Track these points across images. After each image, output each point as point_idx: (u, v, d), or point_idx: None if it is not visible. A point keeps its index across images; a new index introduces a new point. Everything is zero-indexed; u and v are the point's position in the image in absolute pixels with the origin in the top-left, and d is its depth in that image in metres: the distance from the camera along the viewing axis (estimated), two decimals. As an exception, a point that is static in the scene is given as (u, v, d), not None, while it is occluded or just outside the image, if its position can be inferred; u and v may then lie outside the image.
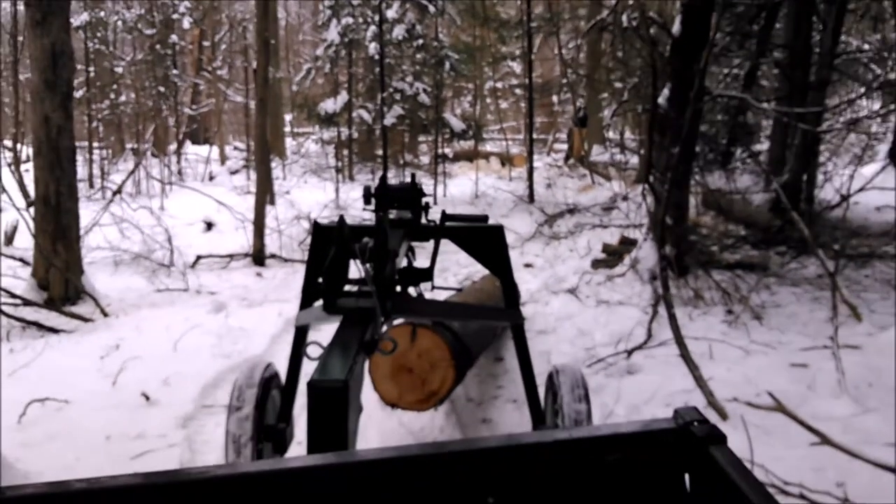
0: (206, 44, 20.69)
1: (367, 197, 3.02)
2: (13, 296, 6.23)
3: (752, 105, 7.24)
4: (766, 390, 3.56)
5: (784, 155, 9.94)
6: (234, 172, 16.63)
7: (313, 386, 1.43)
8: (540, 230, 10.44)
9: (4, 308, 5.93)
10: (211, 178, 16.09)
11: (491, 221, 3.16)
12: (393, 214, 2.98)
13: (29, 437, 3.46)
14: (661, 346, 4.51)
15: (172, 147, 18.07)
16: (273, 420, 2.94)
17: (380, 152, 12.68)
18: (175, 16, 17.51)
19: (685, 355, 3.87)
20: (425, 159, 16.05)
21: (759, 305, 5.72)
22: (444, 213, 3.11)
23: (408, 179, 3.11)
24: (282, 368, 3.05)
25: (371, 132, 12.32)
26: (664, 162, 6.90)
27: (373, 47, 11.57)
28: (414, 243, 3.08)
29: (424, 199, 3.12)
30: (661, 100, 6.76)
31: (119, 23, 17.22)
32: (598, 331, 5.13)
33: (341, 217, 2.11)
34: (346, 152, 14.89)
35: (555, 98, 19.14)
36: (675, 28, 6.03)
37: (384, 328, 2.17)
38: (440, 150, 14.11)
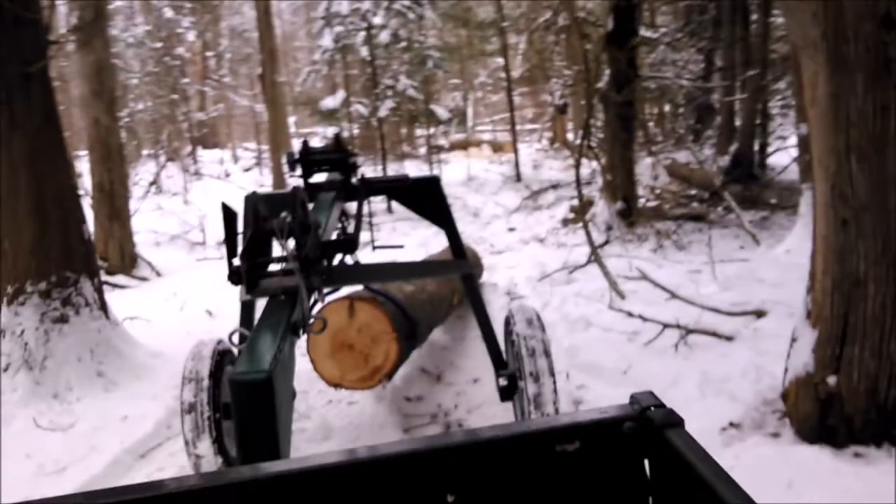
0: (209, 54, 22.16)
1: (291, 163, 2.91)
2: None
3: (675, 83, 8.59)
4: (659, 280, 4.95)
5: (732, 129, 11.36)
6: (247, 170, 18.08)
7: (235, 381, 1.32)
8: (525, 203, 11.80)
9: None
10: (227, 176, 17.51)
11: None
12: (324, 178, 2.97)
13: (135, 333, 4.85)
14: (594, 265, 5.90)
15: (186, 151, 19.52)
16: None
17: (379, 145, 14.08)
18: (179, 30, 18.98)
19: (597, 258, 5.27)
20: (422, 150, 17.46)
21: (688, 242, 7.11)
22: (363, 176, 3.09)
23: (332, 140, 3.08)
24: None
25: (369, 125, 13.73)
26: (609, 133, 8.30)
27: (364, 50, 12.98)
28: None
29: (352, 159, 3.05)
30: (603, 83, 8.16)
31: (129, 38, 18.68)
32: (554, 262, 6.53)
33: (253, 193, 2.03)
34: (350, 147, 16.33)
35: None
36: (609, 24, 7.40)
37: (317, 306, 2.09)
38: (434, 141, 15.52)
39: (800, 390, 2.77)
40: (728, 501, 0.73)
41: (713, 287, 4.98)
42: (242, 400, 1.33)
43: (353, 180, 3.05)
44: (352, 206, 3.12)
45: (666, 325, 4.00)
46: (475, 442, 0.93)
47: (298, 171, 2.94)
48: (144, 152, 19.61)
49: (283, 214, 1.90)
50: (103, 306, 4.48)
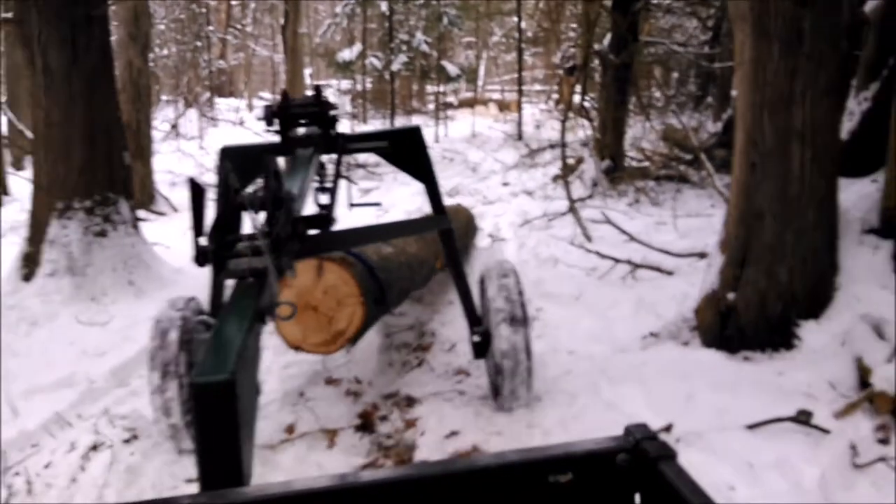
0: (234, 2, 22.54)
1: (268, 117, 2.77)
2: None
3: (673, 50, 9.04)
4: (626, 228, 5.55)
5: (728, 96, 11.81)
6: (261, 119, 18.61)
7: (196, 385, 1.27)
8: (523, 161, 12.34)
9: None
10: (241, 124, 18.07)
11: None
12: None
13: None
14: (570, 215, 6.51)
15: (204, 97, 20.05)
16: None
17: (389, 99, 14.60)
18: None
19: (572, 206, 5.87)
20: (431, 107, 17.96)
21: (663, 199, 7.67)
22: (340, 134, 2.98)
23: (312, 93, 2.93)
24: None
25: (382, 79, 14.24)
26: (605, 94, 8.81)
27: (384, 5, 13.42)
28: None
29: (332, 112, 2.93)
30: (605, 44, 8.64)
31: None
32: (538, 212, 7.13)
33: (226, 165, 1.88)
34: (360, 100, 16.85)
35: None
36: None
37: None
38: (443, 98, 16.01)
39: (706, 305, 3.39)
40: None
41: (672, 236, 5.58)
42: (203, 405, 1.27)
43: (332, 133, 2.94)
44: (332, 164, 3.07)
45: (617, 261, 4.62)
46: (468, 470, 0.93)
47: (276, 126, 2.80)
48: (164, 97, 20.17)
49: (255, 188, 1.81)
50: (136, 226, 5.14)
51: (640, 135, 11.47)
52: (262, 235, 1.70)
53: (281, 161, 2.61)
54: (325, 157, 3.02)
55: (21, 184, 9.72)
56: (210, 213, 1.75)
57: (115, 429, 3.07)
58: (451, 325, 4.13)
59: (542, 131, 15.63)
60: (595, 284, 4.55)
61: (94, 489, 2.67)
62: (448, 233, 3.19)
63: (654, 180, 8.75)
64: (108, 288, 4.70)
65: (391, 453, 2.81)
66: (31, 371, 3.66)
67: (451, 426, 2.93)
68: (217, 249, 1.72)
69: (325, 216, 2.57)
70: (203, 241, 1.72)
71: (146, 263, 4.99)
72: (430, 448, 2.78)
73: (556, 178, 9.52)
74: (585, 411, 2.88)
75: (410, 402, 3.20)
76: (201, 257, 1.73)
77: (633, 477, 0.90)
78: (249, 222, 1.74)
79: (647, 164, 10.12)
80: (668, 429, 2.64)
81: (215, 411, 1.28)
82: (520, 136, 14.73)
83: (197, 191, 1.72)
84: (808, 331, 3.14)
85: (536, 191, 8.63)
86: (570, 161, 10.44)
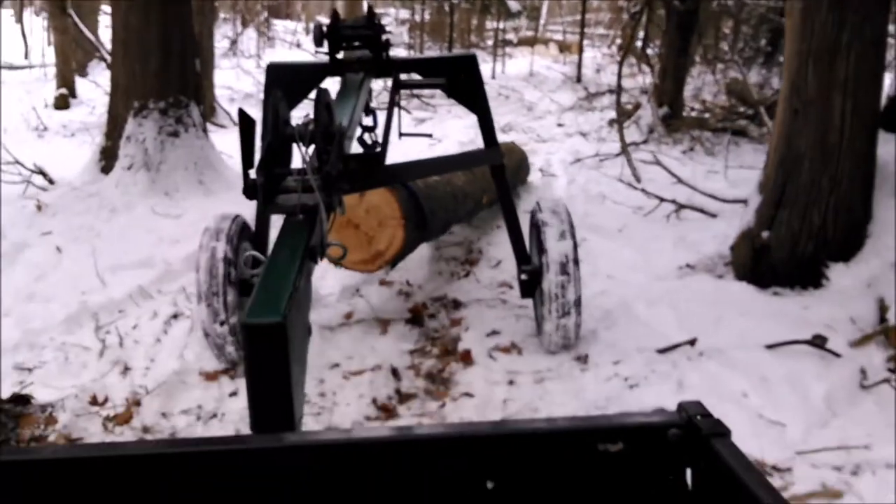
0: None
1: (318, 38, 2.72)
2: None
3: (743, 1, 8.90)
4: (677, 173, 5.67)
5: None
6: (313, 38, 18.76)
7: (247, 327, 1.27)
8: (580, 103, 12.33)
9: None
10: (298, 46, 18.25)
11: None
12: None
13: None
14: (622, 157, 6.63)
15: (262, 17, 20.21)
16: (248, 275, 2.76)
17: (447, 31, 14.58)
18: None
19: (624, 147, 6.00)
20: (490, 42, 17.85)
21: (718, 150, 7.71)
22: (392, 58, 2.90)
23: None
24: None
25: (441, 10, 14.20)
26: (667, 40, 8.77)
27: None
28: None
29: (385, 36, 2.86)
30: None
31: None
32: (590, 151, 7.25)
33: (275, 94, 1.81)
34: (417, 31, 16.84)
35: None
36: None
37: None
38: (502, 34, 15.91)
39: (741, 242, 3.57)
40: None
41: (722, 184, 5.68)
42: (254, 346, 1.28)
43: (384, 57, 2.87)
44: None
45: (662, 200, 4.78)
46: (519, 433, 0.94)
47: (325, 47, 2.76)
48: (222, 15, 20.40)
49: (306, 120, 1.78)
50: (205, 130, 5.45)
51: (702, 85, 11.37)
52: (313, 171, 1.68)
53: (332, 83, 2.58)
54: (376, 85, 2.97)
55: (87, 87, 10.16)
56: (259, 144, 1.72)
57: (192, 303, 3.43)
58: (498, 246, 4.37)
59: (602, 76, 15.46)
60: (639, 221, 4.73)
61: (175, 349, 3.03)
62: (500, 168, 3.12)
63: (711, 131, 8.76)
64: (179, 184, 5.05)
65: (437, 343, 3.11)
66: (114, 251, 4.03)
67: (493, 327, 3.21)
68: (266, 183, 1.69)
69: (376, 156, 2.55)
70: (252, 173, 1.69)
71: (214, 166, 5.32)
72: (473, 342, 3.07)
73: (611, 122, 9.56)
74: (617, 323, 3.12)
75: (457, 304, 3.48)
76: (251, 190, 1.71)
77: (684, 452, 0.89)
78: (298, 154, 1.73)
79: (706, 115, 10.10)
80: (692, 342, 2.88)
81: (266, 353, 1.27)
82: (579, 79, 14.64)
83: (246, 122, 1.69)
84: (837, 272, 3.31)
85: (591, 133, 8.71)
86: (628, 107, 10.47)
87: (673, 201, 4.76)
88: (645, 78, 13.78)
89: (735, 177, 5.92)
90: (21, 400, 2.73)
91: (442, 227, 3.73)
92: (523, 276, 3.09)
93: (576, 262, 2.89)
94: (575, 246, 2.91)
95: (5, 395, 2.74)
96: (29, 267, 3.80)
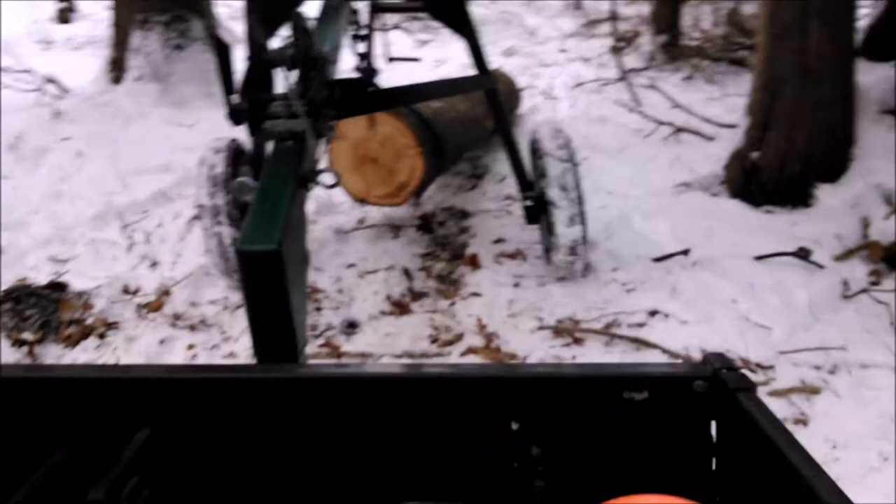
0: None
1: None
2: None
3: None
4: (676, 99, 5.79)
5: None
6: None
7: (242, 254, 1.24)
8: (581, 30, 12.22)
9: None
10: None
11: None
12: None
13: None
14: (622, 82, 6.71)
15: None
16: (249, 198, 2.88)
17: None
18: None
19: (623, 73, 6.09)
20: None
21: (719, 79, 7.79)
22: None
23: None
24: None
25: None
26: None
27: None
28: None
29: None
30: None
31: None
32: (591, 76, 7.32)
33: (251, 18, 1.78)
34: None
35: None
36: None
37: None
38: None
39: (733, 162, 3.75)
40: (798, 470, 0.71)
41: (720, 111, 5.81)
42: (251, 273, 1.26)
43: None
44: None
45: (661, 123, 4.92)
46: (545, 376, 0.94)
47: None
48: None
49: (284, 43, 1.74)
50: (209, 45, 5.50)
51: (704, 15, 11.31)
52: (296, 97, 1.63)
53: (313, 8, 2.47)
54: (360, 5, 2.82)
55: (86, 2, 10.02)
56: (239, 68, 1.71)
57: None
58: (503, 162, 4.49)
59: (602, 3, 15.32)
60: (639, 142, 4.88)
61: (200, 246, 3.21)
62: (493, 92, 3.05)
63: (713, 60, 8.80)
64: (189, 97, 5.13)
65: (447, 248, 3.31)
66: (133, 156, 4.16)
67: (499, 235, 3.40)
68: (251, 109, 1.67)
69: (362, 80, 2.47)
70: (235, 98, 1.68)
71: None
72: (479, 247, 3.27)
73: (614, 49, 9.57)
74: (616, 234, 3.32)
75: (464, 214, 3.67)
76: (235, 115, 1.69)
77: (709, 404, 0.89)
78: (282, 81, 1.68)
79: (707, 44, 10.10)
80: (685, 252, 3.09)
81: (263, 281, 1.26)
82: (578, 6, 14.46)
83: (222, 48, 1.68)
84: (824, 192, 3.50)
85: (593, 59, 8.73)
86: (629, 34, 10.46)
87: (670, 124, 4.90)
88: (643, 7, 13.60)
89: (734, 104, 6.02)
90: (58, 287, 2.93)
91: (457, 153, 3.72)
92: (527, 203, 3.10)
93: (578, 188, 2.90)
94: (576, 170, 2.94)
95: (42, 282, 2.93)
96: (52, 169, 3.94)
